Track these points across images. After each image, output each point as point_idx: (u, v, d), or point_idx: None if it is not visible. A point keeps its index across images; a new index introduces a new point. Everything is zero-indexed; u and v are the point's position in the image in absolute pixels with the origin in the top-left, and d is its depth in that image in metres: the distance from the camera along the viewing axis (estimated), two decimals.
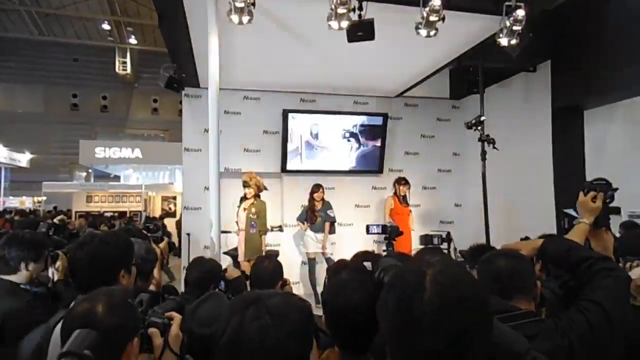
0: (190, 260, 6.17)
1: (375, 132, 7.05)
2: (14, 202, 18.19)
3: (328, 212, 6.31)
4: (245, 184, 5.66)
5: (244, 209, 5.67)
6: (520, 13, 4.02)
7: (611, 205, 1.81)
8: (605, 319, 1.31)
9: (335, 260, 6.00)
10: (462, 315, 0.81)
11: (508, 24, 4.11)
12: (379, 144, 7.07)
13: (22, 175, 19.96)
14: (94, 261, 1.57)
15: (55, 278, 2.43)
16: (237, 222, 5.77)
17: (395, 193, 6.58)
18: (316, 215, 6.27)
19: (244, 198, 5.77)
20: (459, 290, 0.84)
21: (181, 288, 3.19)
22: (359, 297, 1.43)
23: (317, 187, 6.32)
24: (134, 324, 1.22)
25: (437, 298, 0.81)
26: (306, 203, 6.44)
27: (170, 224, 13.74)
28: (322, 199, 6.35)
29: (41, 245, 2.33)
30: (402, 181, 6.58)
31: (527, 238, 3.16)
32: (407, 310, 0.82)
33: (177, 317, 1.41)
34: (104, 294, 1.20)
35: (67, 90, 21.09)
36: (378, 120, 7.02)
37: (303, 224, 6.38)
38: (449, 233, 5.23)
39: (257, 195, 5.69)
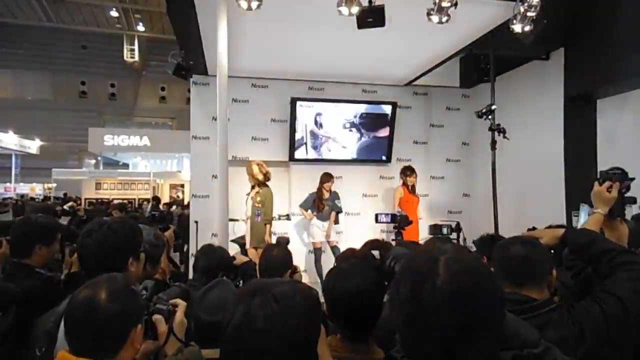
0: (199, 247, 6.23)
1: (383, 121, 6.99)
2: (24, 189, 18.41)
3: (336, 201, 6.30)
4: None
5: (251, 198, 5.69)
6: None
7: (627, 195, 1.78)
8: (622, 311, 1.30)
9: (342, 249, 6.06)
10: (475, 301, 0.81)
11: (522, 10, 4.04)
12: (387, 133, 7.02)
13: (32, 162, 20.18)
14: (102, 248, 1.57)
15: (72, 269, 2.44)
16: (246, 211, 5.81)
17: (403, 183, 6.54)
18: (324, 204, 6.26)
19: (252, 186, 5.80)
20: (471, 276, 0.84)
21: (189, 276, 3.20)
22: (357, 284, 1.46)
23: (328, 177, 6.30)
24: (137, 311, 1.22)
25: (450, 284, 0.81)
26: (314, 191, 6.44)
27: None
28: (330, 189, 6.34)
29: (53, 229, 2.35)
30: (407, 171, 6.53)
31: (534, 228, 3.13)
32: (420, 296, 0.82)
33: (181, 304, 1.41)
34: (105, 281, 1.20)
35: (75, 77, 21.16)
36: (386, 109, 6.96)
37: (306, 211, 6.37)
38: (458, 223, 5.19)
39: (262, 184, 5.69)
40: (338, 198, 6.35)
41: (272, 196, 5.73)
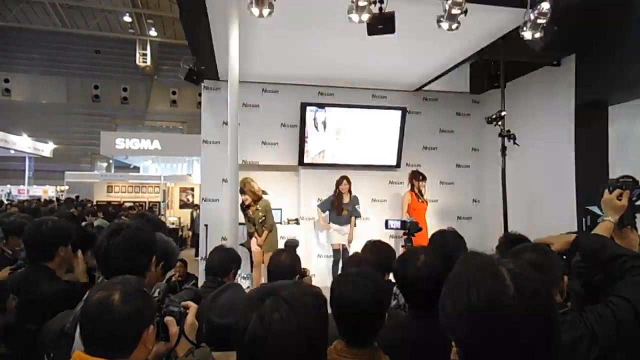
0: (208, 251, 6.26)
1: (393, 126, 7.00)
2: (37, 191, 18.64)
3: (356, 207, 6.34)
4: (241, 191, 5.33)
5: (252, 216, 5.66)
6: (545, 6, 3.93)
7: (637, 203, 1.78)
8: (633, 315, 1.30)
9: (350, 252, 6.08)
10: (546, 306, 0.85)
11: (532, 17, 4.03)
12: (396, 138, 7.02)
13: (45, 165, 20.41)
14: (132, 246, 1.59)
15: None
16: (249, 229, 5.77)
17: (412, 188, 6.52)
18: (343, 208, 6.28)
19: (243, 206, 5.59)
20: (537, 283, 0.87)
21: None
22: (360, 292, 1.49)
23: (341, 179, 6.33)
24: (150, 312, 1.25)
25: (523, 293, 0.84)
26: (323, 197, 6.47)
27: (185, 214, 14.05)
28: (350, 192, 6.35)
29: (70, 229, 2.38)
30: (418, 176, 6.51)
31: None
32: (496, 307, 0.83)
33: (193, 306, 1.43)
34: (120, 283, 1.23)
35: (89, 81, 21.52)
36: (396, 115, 6.96)
37: (323, 212, 6.41)
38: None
39: (255, 201, 5.64)
40: (358, 203, 6.38)
41: (270, 203, 5.74)
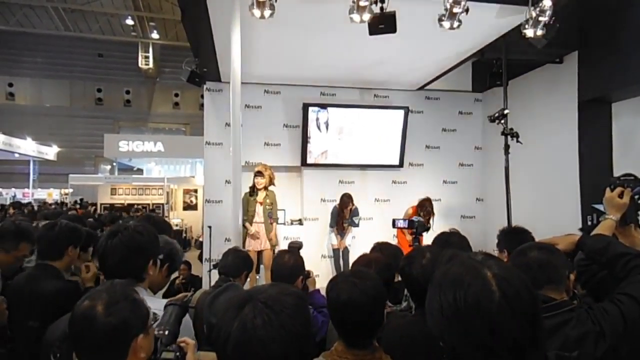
0: (212, 252, 6.28)
1: (395, 125, 6.99)
2: (41, 194, 18.74)
3: (354, 218, 6.41)
4: (260, 174, 5.69)
5: (260, 203, 5.71)
6: (547, 3, 3.92)
7: None
8: (639, 312, 1.31)
9: (352, 251, 6.13)
10: (533, 305, 0.86)
11: (534, 14, 4.02)
12: (399, 137, 7.02)
13: (49, 168, 20.50)
14: (128, 249, 1.60)
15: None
16: (249, 215, 5.73)
17: (418, 212, 6.18)
18: (344, 225, 6.43)
19: (253, 190, 5.72)
20: (521, 286, 0.87)
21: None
22: (355, 293, 1.48)
23: (347, 200, 6.31)
24: (139, 320, 1.19)
25: (508, 297, 0.85)
26: (326, 198, 6.49)
27: (188, 216, 14.09)
28: (351, 210, 6.42)
29: (81, 231, 2.44)
30: (423, 207, 6.11)
31: None
32: (483, 311, 0.84)
33: (191, 343, 1.32)
34: (104, 292, 1.19)
35: (91, 85, 21.60)
36: (399, 114, 6.96)
37: (334, 229, 6.52)
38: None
39: (266, 187, 5.76)
40: (357, 214, 6.44)
41: (275, 195, 5.86)
